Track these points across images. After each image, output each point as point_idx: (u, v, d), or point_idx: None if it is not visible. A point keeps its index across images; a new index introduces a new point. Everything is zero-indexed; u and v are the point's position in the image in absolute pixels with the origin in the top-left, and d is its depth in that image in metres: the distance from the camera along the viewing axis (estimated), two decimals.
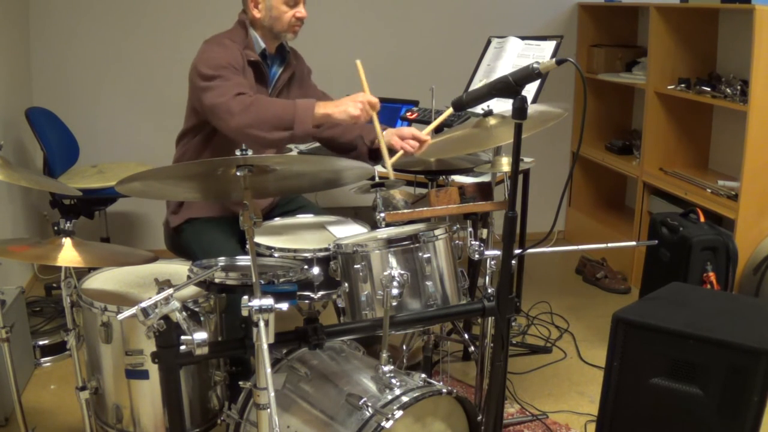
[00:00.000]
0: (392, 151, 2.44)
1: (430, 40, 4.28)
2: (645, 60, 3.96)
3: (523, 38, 2.82)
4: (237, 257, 2.03)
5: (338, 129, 2.60)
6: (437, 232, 1.94)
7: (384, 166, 2.28)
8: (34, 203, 3.78)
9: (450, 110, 2.41)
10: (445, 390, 1.81)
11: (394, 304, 1.83)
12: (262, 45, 2.44)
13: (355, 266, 1.90)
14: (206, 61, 2.29)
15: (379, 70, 4.17)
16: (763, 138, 3.08)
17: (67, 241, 1.87)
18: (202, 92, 2.26)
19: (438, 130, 2.53)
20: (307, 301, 1.96)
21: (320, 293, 1.96)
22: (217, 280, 1.72)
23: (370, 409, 1.72)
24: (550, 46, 2.68)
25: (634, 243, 2.44)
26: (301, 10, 2.40)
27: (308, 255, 1.97)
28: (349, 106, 2.20)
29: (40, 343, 2.99)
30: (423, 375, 1.88)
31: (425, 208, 2.10)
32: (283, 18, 2.39)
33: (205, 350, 1.58)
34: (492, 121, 2.12)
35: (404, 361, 2.52)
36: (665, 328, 2.03)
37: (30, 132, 3.44)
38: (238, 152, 1.60)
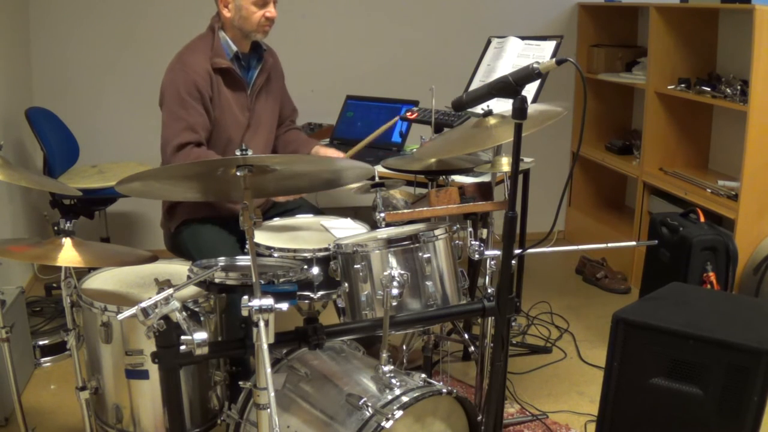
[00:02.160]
0: None
1: (430, 40, 4.28)
2: (645, 60, 3.96)
3: (523, 38, 2.82)
4: (237, 257, 2.03)
5: (296, 146, 2.75)
6: (437, 232, 1.94)
7: None
8: (34, 203, 3.78)
9: (378, 131, 2.58)
10: (445, 390, 1.81)
11: (394, 304, 1.83)
12: (234, 48, 2.46)
13: (355, 266, 1.90)
14: (167, 84, 2.41)
15: (379, 70, 4.20)
16: (763, 138, 3.08)
17: (67, 241, 1.87)
18: (161, 108, 2.42)
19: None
20: (307, 301, 1.97)
21: (320, 293, 1.96)
22: (217, 280, 1.73)
23: (370, 409, 1.72)
24: (550, 46, 2.68)
25: (634, 243, 2.44)
26: (270, 10, 2.42)
27: (308, 255, 1.97)
28: None
29: (40, 343, 2.99)
30: (423, 375, 1.88)
31: (425, 208, 2.10)
32: (252, 18, 2.41)
33: (205, 350, 1.58)
34: (492, 120, 2.12)
35: (404, 361, 2.52)
36: (665, 328, 2.03)
37: (30, 132, 3.43)
38: (238, 152, 1.60)
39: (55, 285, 3.52)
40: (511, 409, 2.70)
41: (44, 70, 3.93)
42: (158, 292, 1.56)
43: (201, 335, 1.57)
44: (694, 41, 3.71)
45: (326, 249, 1.98)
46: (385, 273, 1.84)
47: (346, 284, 1.93)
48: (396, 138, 3.26)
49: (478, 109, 1.98)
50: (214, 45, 2.44)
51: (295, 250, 1.99)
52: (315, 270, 1.91)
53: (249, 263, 1.69)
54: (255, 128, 2.57)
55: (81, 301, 1.98)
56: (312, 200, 2.78)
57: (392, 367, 1.86)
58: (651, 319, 2.08)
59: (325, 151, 2.69)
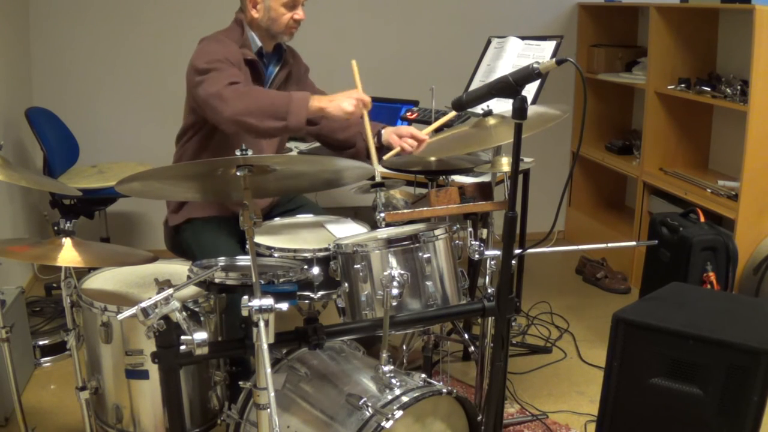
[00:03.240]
0: (389, 149, 2.45)
1: (430, 40, 4.28)
2: (645, 60, 3.97)
3: (523, 38, 2.82)
4: (237, 257, 2.03)
5: (338, 124, 2.60)
6: (437, 232, 1.94)
7: (373, 165, 2.29)
8: (34, 203, 3.78)
9: (452, 113, 2.41)
10: (445, 390, 1.81)
11: (394, 304, 1.83)
12: (259, 44, 2.44)
13: (355, 266, 1.90)
14: (202, 57, 2.29)
15: (379, 70, 4.19)
16: (763, 138, 3.08)
17: (67, 241, 1.87)
18: (197, 86, 2.24)
19: (437, 130, 2.54)
20: (307, 301, 1.97)
21: (320, 293, 1.96)
22: (217, 280, 1.72)
23: (370, 409, 1.72)
24: (550, 46, 2.68)
25: (634, 243, 2.43)
26: (299, 13, 2.40)
27: (308, 255, 1.97)
28: (343, 102, 2.20)
29: (40, 343, 2.99)
30: (423, 375, 1.88)
31: (425, 208, 2.10)
32: (280, 20, 2.39)
33: (205, 350, 1.58)
34: (492, 121, 2.11)
35: (404, 361, 2.52)
36: (665, 328, 2.03)
37: (30, 132, 3.44)
38: (238, 152, 1.60)
39: (55, 285, 3.52)
40: (511, 409, 2.70)
41: (44, 70, 3.93)
42: (158, 292, 1.56)
43: (201, 335, 1.57)
44: (694, 41, 3.71)
45: (326, 249, 1.98)
46: (385, 273, 1.84)
47: (346, 284, 1.93)
48: None
49: (478, 109, 1.98)
50: (243, 38, 2.41)
51: (295, 250, 1.99)
52: (315, 270, 1.91)
53: (249, 263, 1.69)
54: None
55: (81, 301, 1.98)
56: (312, 200, 2.78)
57: (392, 367, 1.86)
58: (651, 319, 2.08)
59: (399, 130, 2.49)
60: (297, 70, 2.63)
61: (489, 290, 2.07)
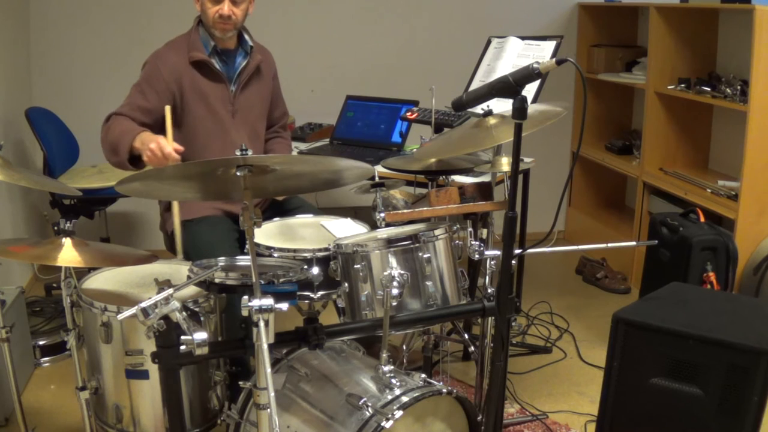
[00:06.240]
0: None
1: (430, 40, 4.28)
2: (645, 60, 3.97)
3: (523, 38, 2.82)
4: (237, 257, 2.03)
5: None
6: (437, 232, 1.94)
7: None
8: (34, 203, 3.78)
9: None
10: (445, 390, 1.81)
11: (394, 304, 1.83)
12: (212, 42, 2.47)
13: (355, 266, 1.90)
14: (142, 72, 2.52)
15: (380, 70, 4.20)
16: (763, 138, 3.08)
17: (67, 241, 1.87)
18: None
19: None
20: (307, 301, 1.97)
21: (320, 293, 1.96)
22: (217, 280, 1.72)
23: (370, 409, 1.72)
24: (550, 46, 2.68)
25: (634, 243, 2.44)
26: (222, 8, 2.42)
27: (308, 255, 1.97)
28: (146, 150, 2.23)
29: (40, 343, 2.99)
30: (423, 375, 1.88)
31: (425, 208, 2.10)
32: (207, 13, 2.45)
33: (205, 350, 1.58)
34: (492, 120, 2.11)
35: (404, 361, 2.52)
36: (665, 328, 2.03)
37: (30, 132, 3.44)
38: (238, 152, 1.60)
39: (55, 285, 3.52)
40: (511, 409, 2.70)
41: (44, 70, 3.93)
42: (158, 292, 1.56)
43: (201, 335, 1.57)
44: (694, 41, 3.71)
45: (326, 249, 1.98)
46: (385, 273, 1.84)
47: (346, 284, 1.93)
48: (396, 138, 3.26)
49: (478, 109, 1.98)
50: (191, 39, 2.49)
51: (295, 250, 1.99)
52: (315, 270, 1.91)
53: (249, 263, 1.69)
54: (239, 121, 2.58)
55: (81, 301, 1.98)
56: (312, 200, 2.78)
57: (392, 367, 1.86)
58: (651, 319, 2.08)
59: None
60: (267, 68, 2.68)
61: (489, 290, 2.08)
